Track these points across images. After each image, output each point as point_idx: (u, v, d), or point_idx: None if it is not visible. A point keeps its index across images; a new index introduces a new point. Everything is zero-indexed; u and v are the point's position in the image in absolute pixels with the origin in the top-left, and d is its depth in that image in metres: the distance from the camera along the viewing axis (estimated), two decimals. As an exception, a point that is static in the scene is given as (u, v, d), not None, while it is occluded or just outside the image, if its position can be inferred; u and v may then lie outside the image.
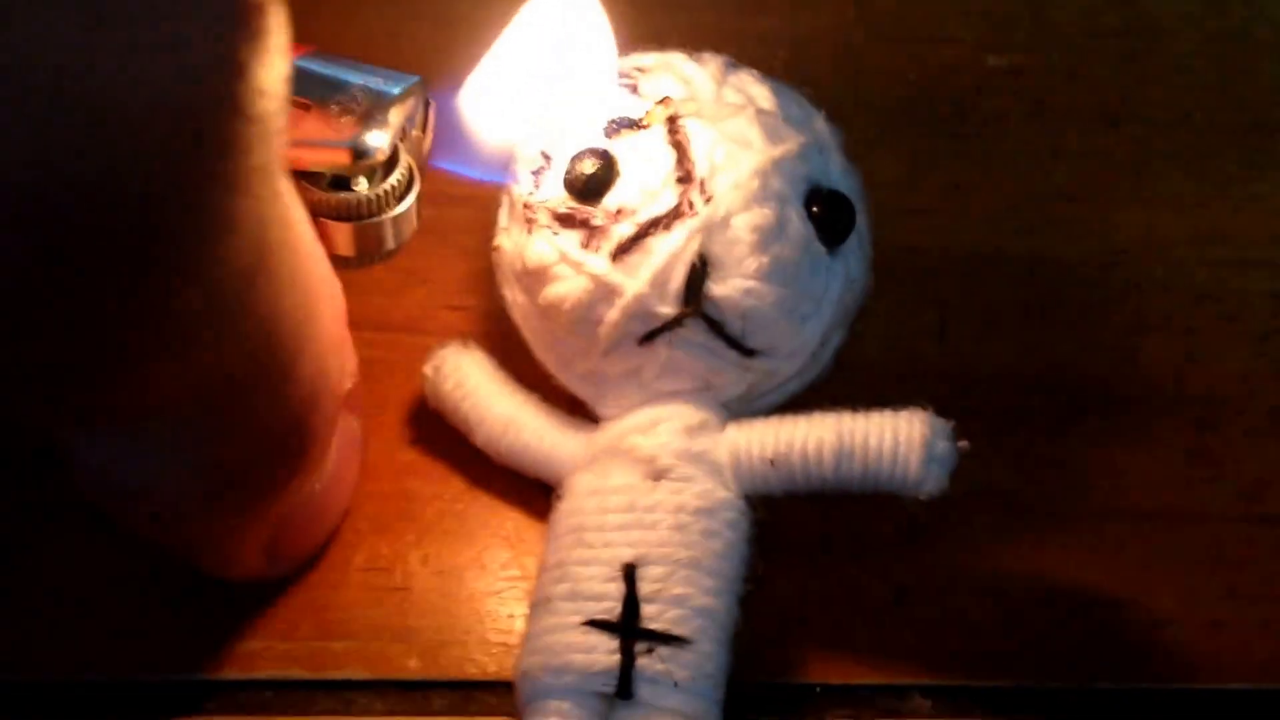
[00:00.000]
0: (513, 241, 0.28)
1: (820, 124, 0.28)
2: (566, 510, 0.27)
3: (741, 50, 0.38)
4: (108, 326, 0.17)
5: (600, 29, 0.26)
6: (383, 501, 0.30)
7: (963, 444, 0.26)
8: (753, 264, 0.26)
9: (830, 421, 0.27)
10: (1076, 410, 0.32)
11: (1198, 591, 0.30)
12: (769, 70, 0.30)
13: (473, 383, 0.29)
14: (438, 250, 0.32)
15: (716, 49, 0.39)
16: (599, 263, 0.26)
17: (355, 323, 0.26)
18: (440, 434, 0.30)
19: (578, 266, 0.26)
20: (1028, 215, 0.35)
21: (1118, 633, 0.29)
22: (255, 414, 0.21)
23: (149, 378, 0.19)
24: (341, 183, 0.26)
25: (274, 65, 0.16)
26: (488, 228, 0.29)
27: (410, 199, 0.26)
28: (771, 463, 0.27)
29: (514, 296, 0.28)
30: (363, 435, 0.29)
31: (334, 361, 0.24)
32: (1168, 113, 0.37)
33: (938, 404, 0.27)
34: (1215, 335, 0.33)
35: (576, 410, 0.29)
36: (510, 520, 0.30)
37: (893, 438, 0.26)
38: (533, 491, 0.29)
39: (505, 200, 0.29)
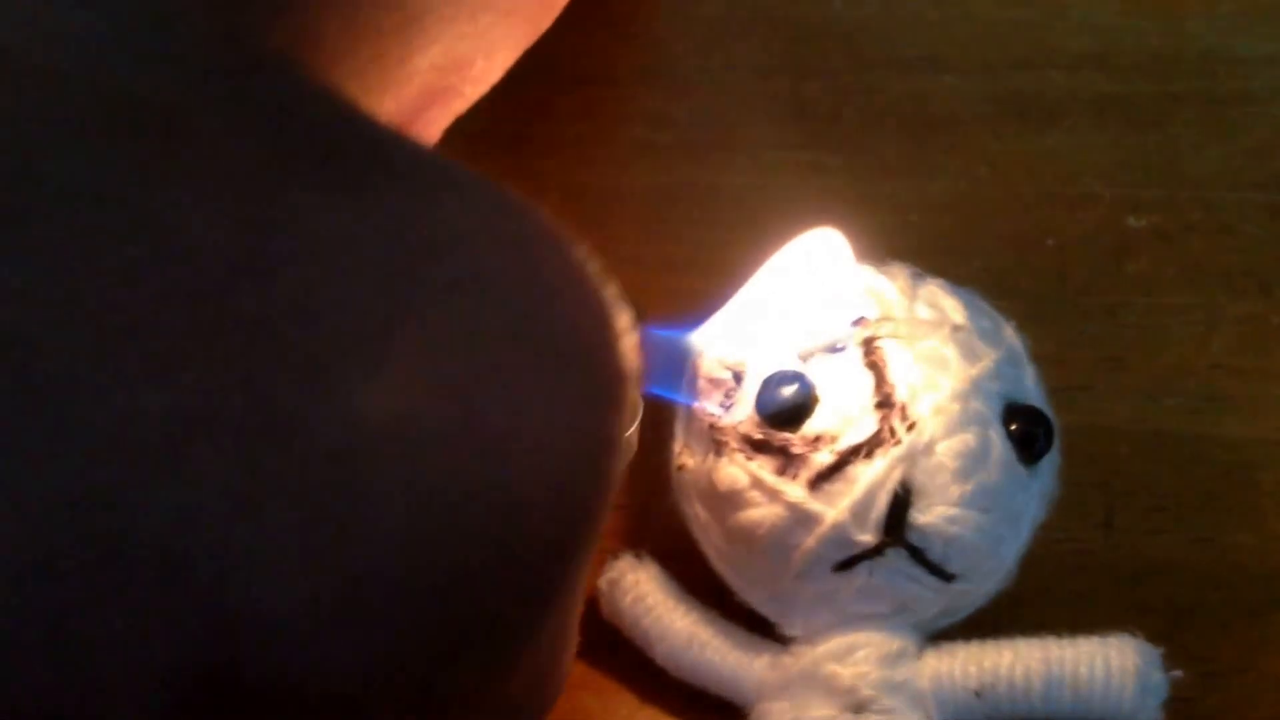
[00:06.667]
0: (698, 461, 0.27)
1: (1009, 332, 0.28)
2: (763, 744, 0.26)
3: (872, 215, 0.38)
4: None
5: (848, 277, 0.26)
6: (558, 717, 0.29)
7: (1175, 673, 0.26)
8: (957, 491, 0.25)
9: (1036, 650, 0.26)
10: (1257, 606, 0.31)
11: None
12: (902, 235, 0.29)
13: (652, 599, 0.28)
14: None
15: (849, 215, 0.38)
16: (796, 491, 0.26)
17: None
18: (606, 643, 0.29)
19: (774, 494, 0.26)
20: (1187, 390, 0.34)
21: None
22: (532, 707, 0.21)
23: None
24: None
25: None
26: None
27: (632, 427, 0.25)
28: (977, 694, 0.26)
29: (696, 514, 0.28)
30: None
31: None
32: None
33: (1107, 599, 0.25)
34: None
35: (755, 623, 0.28)
36: (684, 738, 0.29)
37: (1104, 668, 0.25)
38: (705, 706, 0.28)
39: (682, 416, 0.28)
